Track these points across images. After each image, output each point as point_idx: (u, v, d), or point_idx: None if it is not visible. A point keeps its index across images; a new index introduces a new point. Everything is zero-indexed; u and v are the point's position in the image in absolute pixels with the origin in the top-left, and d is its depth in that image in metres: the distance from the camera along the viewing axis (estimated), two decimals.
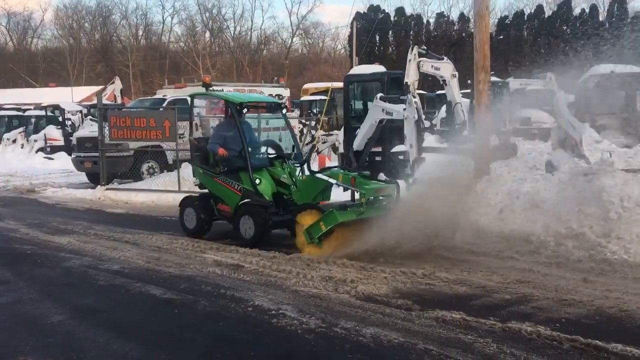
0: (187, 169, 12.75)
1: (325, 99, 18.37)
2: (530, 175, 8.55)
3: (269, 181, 7.95)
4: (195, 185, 8.98)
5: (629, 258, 6.23)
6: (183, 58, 58.41)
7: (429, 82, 29.78)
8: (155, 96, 16.56)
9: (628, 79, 10.57)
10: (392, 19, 52.74)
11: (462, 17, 51.53)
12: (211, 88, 9.39)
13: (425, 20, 53.94)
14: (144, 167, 14.10)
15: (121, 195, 12.42)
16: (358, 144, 11.68)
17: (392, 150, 12.52)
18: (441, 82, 17.45)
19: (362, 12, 51.73)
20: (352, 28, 41.94)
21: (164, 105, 14.38)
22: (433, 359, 3.97)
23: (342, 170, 7.56)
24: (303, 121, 19.63)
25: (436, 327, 4.56)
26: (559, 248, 6.61)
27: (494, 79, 19.66)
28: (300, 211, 7.25)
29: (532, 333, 4.36)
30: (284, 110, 9.33)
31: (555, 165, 10.20)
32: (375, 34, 48.58)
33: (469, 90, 15.78)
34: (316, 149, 16.85)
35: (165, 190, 12.18)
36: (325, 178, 7.41)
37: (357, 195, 7.42)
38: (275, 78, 22.58)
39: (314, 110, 22.75)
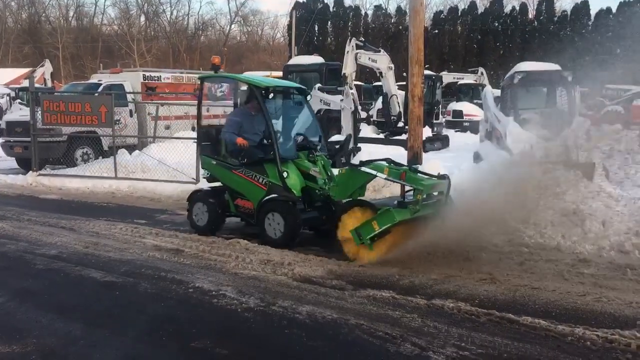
0: (123, 156, 12.67)
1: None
2: (459, 165, 9.06)
3: (298, 174, 7.19)
4: (204, 178, 8.22)
5: (544, 242, 6.79)
6: (117, 42, 56.69)
7: (366, 73, 30.30)
8: (90, 81, 16.18)
9: (549, 76, 11.28)
10: (331, 9, 53.13)
11: (399, 10, 52.54)
12: (220, 70, 8.98)
13: (363, 12, 54.65)
14: (78, 153, 13.80)
15: (55, 182, 12.17)
16: None
17: (329, 140, 12.83)
18: (378, 74, 18.02)
19: (301, 1, 51.87)
20: (291, 17, 42.06)
21: (100, 90, 14.12)
22: (364, 333, 4.29)
23: (386, 163, 6.62)
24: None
25: (367, 305, 4.90)
26: (481, 233, 7.10)
27: (428, 72, 20.35)
28: (346, 209, 6.47)
29: (454, 309, 4.78)
30: (309, 97, 8.50)
31: (482, 156, 10.82)
32: (315, 24, 48.82)
33: (404, 83, 16.32)
34: None
35: (101, 177, 12.03)
36: (371, 171, 6.57)
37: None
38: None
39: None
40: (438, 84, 21.66)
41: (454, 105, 25.59)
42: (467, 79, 29.90)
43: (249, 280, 5.58)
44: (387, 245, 6.10)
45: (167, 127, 14.70)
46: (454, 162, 11.64)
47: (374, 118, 20.82)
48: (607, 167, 9.98)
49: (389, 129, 18.21)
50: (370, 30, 50.57)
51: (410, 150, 9.85)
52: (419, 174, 6.42)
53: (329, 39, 52.81)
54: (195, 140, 11.43)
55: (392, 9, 55.35)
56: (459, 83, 29.49)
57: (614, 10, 48.83)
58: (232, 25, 62.66)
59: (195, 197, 7.85)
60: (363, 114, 20.18)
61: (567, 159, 9.70)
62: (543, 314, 4.66)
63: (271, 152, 7.15)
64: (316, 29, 51.37)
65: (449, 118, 24.47)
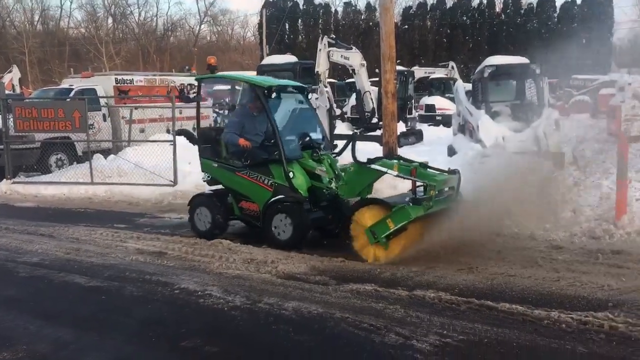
0: (99, 161, 12.60)
1: (239, 89, 18.50)
2: (434, 159, 9.23)
3: (303, 174, 7.05)
4: (204, 181, 7.96)
5: (519, 231, 6.99)
6: (84, 45, 55.85)
7: (338, 70, 30.47)
8: (61, 86, 16.00)
9: (518, 69, 11.55)
10: (301, 7, 53.15)
11: (369, 7, 52.82)
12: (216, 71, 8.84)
13: (333, 10, 54.78)
14: (52, 159, 13.66)
15: (29, 189, 12.04)
16: None
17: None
18: (350, 71, 18.20)
19: (271, 0, 51.78)
20: (261, 16, 41.97)
21: (71, 95, 13.98)
22: (349, 325, 4.42)
23: (396, 160, 6.58)
24: (217, 110, 19.65)
25: (351, 298, 5.03)
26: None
27: (400, 67, 20.59)
28: (358, 207, 6.33)
29: (435, 298, 4.93)
30: (310, 95, 8.29)
31: (456, 150, 11.05)
32: (285, 23, 48.82)
33: (377, 79, 16.49)
34: None
35: (77, 183, 11.94)
36: (381, 169, 6.49)
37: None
38: (187, 67, 22.38)
39: (227, 99, 22.76)
40: (410, 79, 21.90)
41: (427, 100, 25.92)
42: (438, 73, 30.25)
43: (233, 279, 5.66)
44: (402, 243, 6.04)
45: (142, 131, 14.63)
46: (429, 156, 11.81)
47: (348, 115, 21.01)
48: (576, 156, 10.29)
49: (363, 125, 18.41)
50: (340, 27, 50.77)
51: (385, 145, 9.99)
52: (428, 170, 6.37)
53: (300, 37, 52.84)
54: (172, 143, 11.50)
55: (361, 5, 55.60)
56: (430, 77, 29.83)
57: (578, 1, 49.83)
58: (202, 25, 62.26)
59: (196, 201, 7.68)
60: (337, 111, 20.35)
61: (538, 149, 10.00)
62: (520, 300, 4.85)
63: (275, 152, 7.00)
64: (287, 27, 51.36)
65: (422, 112, 24.76)
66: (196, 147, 14.46)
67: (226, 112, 18.77)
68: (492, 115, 11.05)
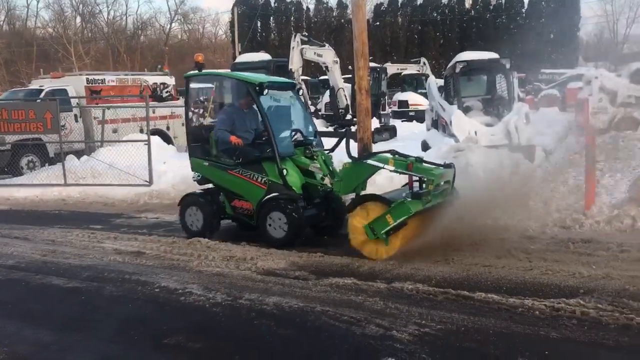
0: (72, 162, 12.45)
1: (212, 87, 18.42)
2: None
3: (297, 171, 7.03)
4: (194, 180, 7.76)
5: (492, 223, 7.14)
6: (52, 45, 54.85)
7: (312, 68, 30.49)
8: (31, 86, 15.75)
9: (488, 64, 11.76)
10: (272, 4, 53.02)
11: (341, 4, 52.89)
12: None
13: (305, 7, 54.75)
14: (24, 161, 13.46)
15: (1, 192, 11.85)
16: None
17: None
18: (324, 68, 18.26)
19: None
20: (233, 14, 41.79)
21: (42, 96, 13.78)
22: (330, 318, 4.50)
23: (390, 155, 6.47)
24: (192, 109, 19.53)
25: (331, 292, 5.11)
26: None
27: (372, 64, 20.71)
28: (356, 204, 6.28)
29: (413, 290, 5.05)
30: (300, 92, 8.21)
31: (430, 144, 11.21)
32: (257, 20, 48.68)
33: (350, 76, 16.58)
34: None
35: (50, 185, 11.79)
36: (377, 164, 6.42)
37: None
38: (159, 66, 22.17)
39: (200, 98, 22.64)
40: (383, 76, 22.05)
41: (400, 96, 26.16)
42: (410, 69, 30.54)
43: (213, 276, 5.70)
44: (402, 238, 6.00)
45: (115, 131, 14.49)
46: (403, 151, 11.96)
47: (322, 112, 21.07)
48: (546, 149, 10.54)
49: (337, 121, 18.49)
50: (313, 25, 50.80)
51: (360, 141, 10.09)
52: (424, 164, 6.35)
53: (272, 34, 52.72)
54: (146, 142, 11.44)
55: (333, 2, 55.66)
56: (402, 74, 30.10)
57: None
58: (173, 24, 61.61)
59: (187, 200, 7.51)
60: (312, 108, 20.40)
61: (509, 142, 10.22)
62: (495, 289, 4.99)
63: (268, 149, 6.95)
64: (259, 25, 51.20)
65: (395, 108, 24.99)
66: (170, 146, 14.56)
67: (201, 110, 18.71)
68: (464, 110, 11.23)
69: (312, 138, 7.43)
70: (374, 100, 16.75)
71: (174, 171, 11.33)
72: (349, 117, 18.00)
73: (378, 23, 50.40)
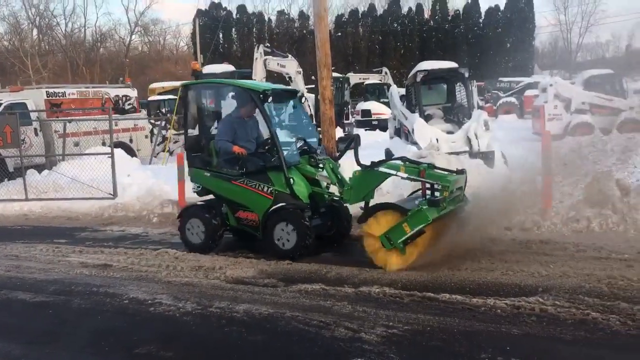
0: (33, 176, 12.24)
1: (175, 99, 18.38)
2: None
3: (303, 180, 6.87)
4: (194, 192, 7.54)
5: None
6: (8, 58, 53.60)
7: (275, 78, 30.61)
8: None
9: (448, 73, 12.06)
10: (234, 16, 53.06)
11: (302, 15, 53.35)
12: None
13: (267, 18, 54.97)
14: None
15: None
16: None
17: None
18: (287, 79, 18.38)
19: (203, 9, 51.49)
20: (194, 25, 41.66)
21: (0, 110, 13.50)
22: (300, 323, 4.58)
23: (401, 162, 6.34)
24: (152, 121, 19.42)
25: (300, 298, 5.20)
26: None
27: (335, 74, 20.97)
28: (371, 214, 6.08)
29: (380, 293, 5.18)
30: (303, 99, 7.92)
31: (393, 152, 11.41)
32: (219, 32, 48.60)
33: (313, 86, 16.75)
34: (167, 148, 16.86)
35: (10, 200, 11.55)
36: (389, 171, 6.27)
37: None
38: (121, 78, 21.94)
39: (163, 110, 22.53)
40: (346, 85, 22.33)
41: (362, 105, 26.50)
42: (373, 79, 30.94)
43: (183, 286, 5.72)
44: (419, 247, 5.82)
45: (77, 144, 14.30)
46: (367, 159, 12.15)
47: (286, 122, 21.16)
48: (505, 154, 10.86)
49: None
50: (275, 36, 51.03)
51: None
52: (436, 170, 6.24)
53: (234, 46, 52.73)
54: (109, 155, 11.34)
55: (295, 13, 56.05)
56: (365, 83, 30.48)
57: (502, 7, 52.10)
58: (133, 36, 60.96)
59: (188, 212, 7.27)
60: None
61: (469, 149, 10.50)
62: (459, 290, 5.17)
63: (272, 159, 6.80)
64: (221, 36, 51.13)
65: (359, 117, 25.30)
66: (134, 158, 14.43)
67: (163, 123, 18.63)
68: (425, 118, 11.48)
69: (316, 146, 7.25)
70: (337, 110, 16.92)
71: (138, 184, 11.26)
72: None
73: (340, 34, 50.91)
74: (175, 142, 17.75)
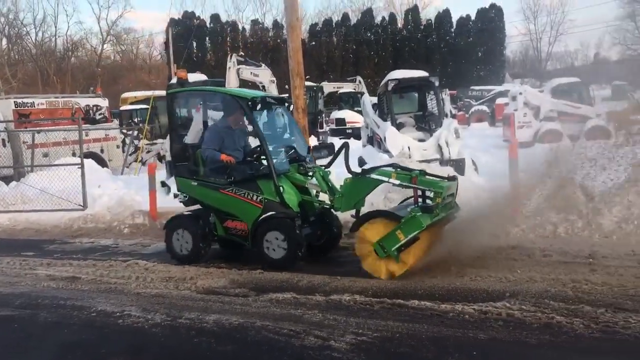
0: (0, 188, 12.01)
1: (147, 108, 18.24)
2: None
3: (293, 189, 6.80)
4: (181, 202, 7.38)
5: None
6: None
7: (248, 87, 30.56)
8: None
9: (418, 82, 12.20)
10: (208, 25, 52.94)
11: (276, 24, 53.46)
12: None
13: (241, 27, 54.96)
14: None
15: None
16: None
17: None
18: (261, 88, 18.37)
19: (176, 18, 51.27)
20: (167, 34, 41.42)
21: None
22: (270, 332, 4.58)
23: (392, 169, 6.35)
24: (124, 131, 19.24)
25: (271, 307, 5.20)
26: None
27: (309, 83, 21.06)
28: (362, 222, 6.05)
29: (350, 301, 5.21)
30: (292, 107, 7.71)
31: (366, 160, 11.49)
32: (192, 41, 48.44)
33: (287, 95, 16.80)
34: (140, 158, 16.71)
35: None
36: (380, 178, 6.24)
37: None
38: (92, 87, 21.73)
39: (135, 120, 22.34)
40: (320, 94, 22.42)
41: (337, 114, 26.60)
42: (347, 87, 31.13)
43: (152, 298, 5.67)
44: (413, 254, 5.78)
45: (46, 155, 14.09)
46: (341, 167, 12.22)
47: None
48: (475, 162, 11.02)
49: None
50: (249, 45, 51.01)
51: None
52: (427, 177, 6.23)
53: (208, 55, 52.57)
54: (79, 166, 11.19)
55: (269, 22, 56.14)
56: (339, 92, 30.65)
57: (473, 17, 52.97)
58: (105, 45, 60.37)
59: (174, 223, 7.11)
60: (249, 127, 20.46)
61: (440, 156, 10.63)
62: (428, 296, 5.22)
63: (261, 167, 6.77)
64: (194, 45, 50.96)
65: (333, 126, 25.39)
66: (105, 169, 14.27)
67: (135, 133, 18.47)
68: (397, 127, 11.59)
69: (304, 154, 7.19)
70: (311, 119, 17.02)
71: (109, 194, 11.12)
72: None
73: (314, 43, 51.19)
74: (149, 151, 17.62)
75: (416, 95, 12.58)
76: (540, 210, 7.59)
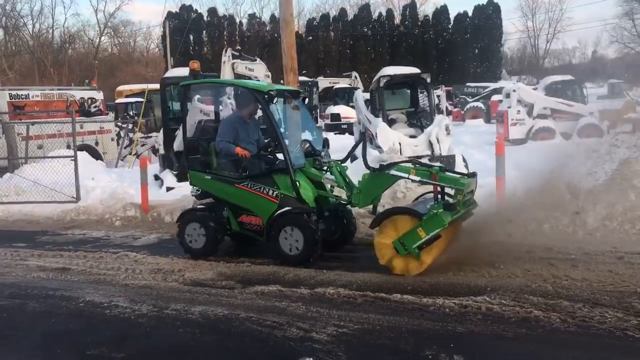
0: None
1: (142, 101, 18.29)
2: None
3: (309, 184, 6.70)
4: (193, 195, 7.33)
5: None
6: None
7: None
8: None
9: (410, 79, 12.27)
10: (205, 18, 52.89)
11: (274, 19, 53.41)
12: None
13: (238, 21, 54.93)
14: None
15: None
16: (178, 144, 11.98)
17: None
18: None
19: (174, 11, 51.22)
20: (164, 28, 41.40)
21: None
22: (253, 324, 4.67)
23: (411, 165, 6.24)
24: (119, 124, 19.28)
25: (256, 299, 5.29)
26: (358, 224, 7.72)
27: (304, 78, 21.13)
28: (383, 218, 5.95)
29: (334, 294, 5.30)
30: (307, 101, 7.70)
31: (357, 155, 11.56)
32: (189, 34, 48.40)
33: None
34: (135, 151, 16.76)
35: None
36: (400, 174, 6.11)
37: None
38: (87, 80, 21.73)
39: (130, 113, 22.37)
40: (315, 89, 22.48)
41: (332, 109, 26.68)
42: (342, 83, 31.22)
43: (140, 289, 5.75)
44: (434, 252, 5.74)
45: (40, 147, 14.14)
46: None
47: None
48: (465, 158, 11.11)
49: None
50: (246, 39, 51.02)
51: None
52: (447, 173, 6.14)
53: (205, 48, 52.55)
54: (72, 158, 11.25)
55: (266, 17, 56.12)
56: (334, 87, 30.71)
57: (470, 13, 53.00)
58: (102, 37, 60.26)
59: (188, 216, 6.99)
60: None
61: (431, 152, 10.71)
62: (410, 290, 5.31)
63: (277, 161, 6.68)
64: (191, 39, 50.92)
65: (328, 121, 25.47)
66: (99, 161, 14.33)
67: (130, 126, 18.51)
68: (389, 123, 11.66)
69: (320, 148, 7.03)
70: None
71: (102, 187, 11.19)
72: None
73: (311, 37, 51.18)
74: (143, 144, 17.67)
75: (408, 91, 12.65)
76: (525, 207, 7.67)
